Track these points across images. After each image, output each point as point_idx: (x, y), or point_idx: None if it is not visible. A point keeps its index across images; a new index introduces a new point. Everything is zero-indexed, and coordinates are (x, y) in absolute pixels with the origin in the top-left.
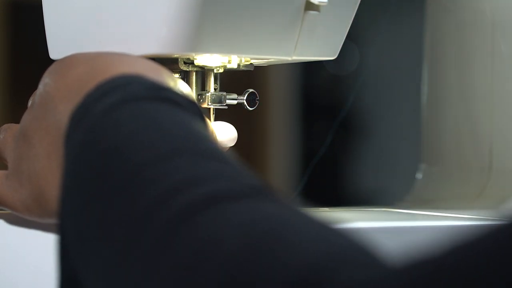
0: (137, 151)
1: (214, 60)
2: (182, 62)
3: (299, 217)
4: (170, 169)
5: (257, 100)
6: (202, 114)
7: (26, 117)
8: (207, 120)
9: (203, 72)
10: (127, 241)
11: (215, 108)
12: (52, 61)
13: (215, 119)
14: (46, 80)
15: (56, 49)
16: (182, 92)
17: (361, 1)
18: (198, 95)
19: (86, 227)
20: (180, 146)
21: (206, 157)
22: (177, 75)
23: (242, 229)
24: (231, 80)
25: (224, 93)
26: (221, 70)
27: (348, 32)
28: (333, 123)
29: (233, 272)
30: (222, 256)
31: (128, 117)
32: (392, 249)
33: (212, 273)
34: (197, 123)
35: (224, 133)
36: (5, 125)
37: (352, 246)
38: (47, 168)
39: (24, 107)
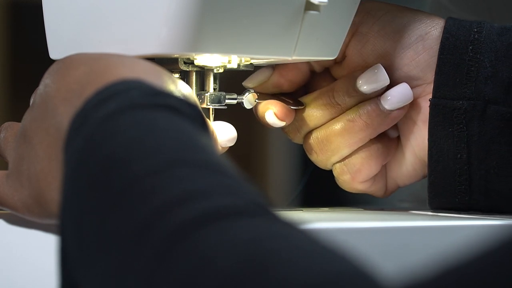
0: (136, 161)
1: (214, 60)
2: (182, 62)
3: (299, 236)
4: (169, 180)
5: (256, 100)
6: (203, 118)
7: (26, 117)
8: (208, 122)
9: (202, 72)
10: (124, 254)
11: (215, 108)
12: (52, 61)
13: (215, 119)
14: (47, 81)
15: (56, 49)
16: (182, 95)
17: (361, 1)
18: (197, 95)
19: (84, 237)
20: (180, 157)
21: (205, 168)
22: (177, 75)
23: (241, 247)
24: (231, 80)
25: (224, 93)
26: (221, 70)
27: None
28: None
29: None
30: (219, 274)
31: (127, 125)
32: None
33: None
34: (198, 131)
35: (224, 133)
36: (6, 124)
37: (351, 267)
38: (47, 169)
39: (24, 107)
